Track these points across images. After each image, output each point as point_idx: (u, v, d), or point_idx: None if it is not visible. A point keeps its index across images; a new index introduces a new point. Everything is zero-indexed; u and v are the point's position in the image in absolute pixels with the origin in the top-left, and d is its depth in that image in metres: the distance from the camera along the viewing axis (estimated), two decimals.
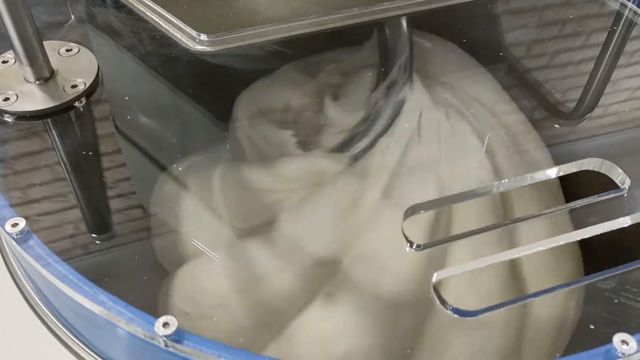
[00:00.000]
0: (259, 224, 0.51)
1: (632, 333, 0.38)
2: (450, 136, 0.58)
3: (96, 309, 0.42)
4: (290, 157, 0.57)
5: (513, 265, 0.47)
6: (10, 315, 0.54)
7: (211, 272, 0.48)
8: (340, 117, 0.60)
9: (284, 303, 0.46)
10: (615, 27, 0.71)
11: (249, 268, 0.48)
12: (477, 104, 0.62)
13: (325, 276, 0.47)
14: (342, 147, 0.57)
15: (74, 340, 0.51)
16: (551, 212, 0.50)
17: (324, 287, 0.46)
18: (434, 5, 0.71)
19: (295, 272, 0.47)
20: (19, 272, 0.56)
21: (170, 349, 0.40)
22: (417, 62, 0.68)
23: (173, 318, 0.40)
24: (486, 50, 0.70)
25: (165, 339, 0.39)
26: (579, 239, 0.47)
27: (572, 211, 0.51)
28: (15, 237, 0.45)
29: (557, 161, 0.55)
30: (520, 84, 0.67)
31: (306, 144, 0.58)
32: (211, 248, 0.49)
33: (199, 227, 0.51)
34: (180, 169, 0.55)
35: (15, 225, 0.45)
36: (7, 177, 0.51)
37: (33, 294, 0.54)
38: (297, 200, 0.52)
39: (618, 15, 0.73)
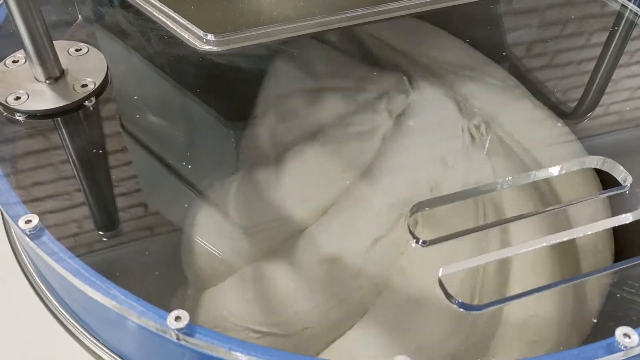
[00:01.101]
0: (284, 240, 0.51)
1: (634, 327, 0.39)
2: (454, 134, 0.59)
3: (109, 302, 0.42)
4: (308, 163, 0.57)
5: (514, 262, 0.48)
6: (21, 310, 0.55)
7: (238, 295, 0.48)
8: (355, 120, 0.61)
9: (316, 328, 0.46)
10: (616, 28, 0.72)
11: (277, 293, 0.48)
12: (480, 102, 0.63)
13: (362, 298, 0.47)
14: (351, 149, 0.58)
15: (84, 334, 0.52)
16: (552, 209, 0.51)
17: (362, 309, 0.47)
18: (438, 5, 0.71)
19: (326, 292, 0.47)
20: (30, 268, 0.57)
21: (182, 342, 0.41)
22: (422, 57, 0.69)
23: (185, 312, 0.40)
24: (489, 50, 0.71)
25: (177, 332, 0.40)
26: (581, 235, 0.48)
27: (573, 208, 0.52)
28: (28, 233, 0.46)
29: (559, 159, 0.56)
30: (522, 83, 0.68)
31: (322, 149, 0.59)
32: (237, 267, 0.49)
33: (221, 243, 0.51)
34: (184, 171, 0.55)
35: (28, 221, 0.46)
36: (19, 175, 0.51)
37: (45, 290, 0.55)
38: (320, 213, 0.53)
39: (619, 15, 0.74)
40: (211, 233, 0.51)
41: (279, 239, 0.51)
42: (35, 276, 0.56)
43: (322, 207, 0.53)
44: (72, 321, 0.52)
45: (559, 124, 0.62)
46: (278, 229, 0.52)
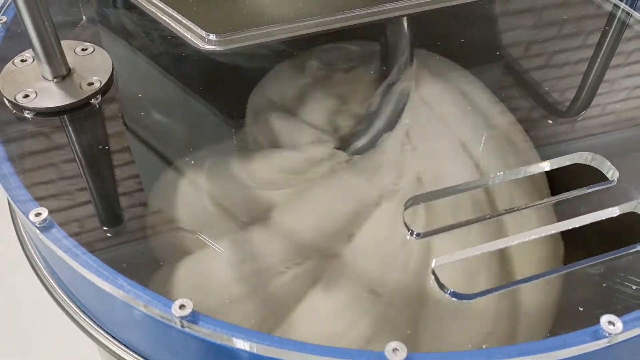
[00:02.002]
0: (257, 216, 0.53)
1: (618, 315, 0.40)
2: (447, 133, 0.61)
3: (116, 292, 0.44)
4: (289, 151, 0.59)
5: (505, 254, 0.50)
6: (29, 301, 0.56)
7: (213, 263, 0.50)
8: (343, 113, 0.63)
9: (285, 291, 0.48)
10: (607, 28, 0.74)
11: (250, 258, 0.50)
12: (474, 101, 0.64)
13: (325, 264, 0.50)
14: (344, 142, 0.60)
15: (91, 325, 0.53)
16: (543, 203, 0.53)
17: (325, 274, 0.49)
18: (435, 6, 0.73)
19: (295, 261, 0.50)
20: (38, 260, 0.59)
21: (186, 330, 0.42)
22: (418, 63, 0.70)
23: (189, 300, 0.42)
24: (483, 50, 0.73)
25: (181, 319, 0.42)
26: (570, 227, 0.50)
27: (563, 202, 0.53)
28: (38, 225, 0.48)
29: (551, 157, 0.58)
30: (515, 83, 0.69)
31: (310, 139, 0.60)
32: (211, 239, 0.51)
33: (197, 219, 0.53)
34: (179, 165, 0.57)
35: (38, 214, 0.48)
36: (28, 171, 0.53)
37: (52, 282, 0.56)
38: (295, 193, 0.55)
39: (611, 16, 0.76)
40: (188, 210, 0.54)
41: (252, 213, 0.53)
42: (43, 269, 0.57)
43: (302, 191, 0.55)
44: (78, 311, 0.53)
45: (549, 122, 0.63)
46: (256, 205, 0.54)
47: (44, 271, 0.58)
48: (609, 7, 0.76)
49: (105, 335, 0.52)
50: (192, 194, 0.55)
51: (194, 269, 0.49)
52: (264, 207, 0.54)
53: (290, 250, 0.51)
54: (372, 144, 0.60)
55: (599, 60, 0.71)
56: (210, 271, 0.50)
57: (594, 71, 0.70)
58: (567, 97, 0.67)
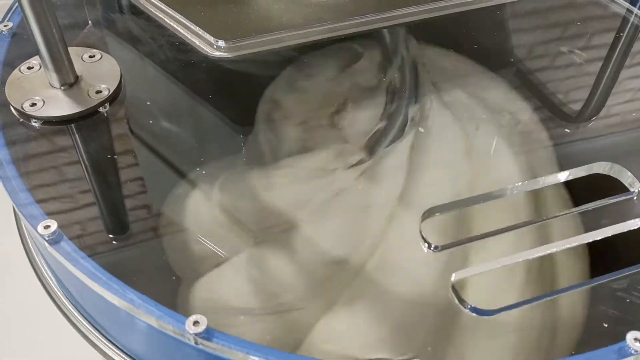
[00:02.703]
0: (277, 229, 0.52)
1: None
2: (462, 140, 0.60)
3: (127, 307, 0.43)
4: (303, 160, 0.58)
5: (527, 267, 0.49)
6: (34, 312, 0.55)
7: (232, 279, 0.49)
8: (355, 122, 0.62)
9: (305, 307, 0.47)
10: (621, 32, 0.73)
11: (269, 274, 0.49)
12: (487, 107, 0.63)
13: (346, 279, 0.48)
14: (359, 150, 0.59)
15: (99, 338, 0.52)
16: (563, 214, 0.52)
17: (345, 290, 0.48)
18: (445, 12, 0.72)
19: (315, 277, 0.49)
20: (44, 271, 0.58)
21: (200, 346, 0.41)
22: (428, 68, 0.70)
23: (203, 317, 0.41)
24: (495, 55, 0.72)
25: (195, 336, 0.41)
26: (591, 240, 0.49)
27: (582, 213, 0.52)
28: (47, 238, 0.47)
29: (565, 162, 0.57)
30: (528, 87, 0.69)
31: (322, 148, 0.59)
32: (226, 254, 0.50)
33: (210, 233, 0.52)
34: (195, 175, 0.56)
35: (47, 227, 0.47)
36: (36, 181, 0.52)
37: (57, 291, 0.55)
38: (315, 205, 0.54)
39: (624, 20, 0.75)
40: (201, 223, 0.52)
41: (269, 231, 0.52)
42: (48, 278, 0.56)
43: (316, 204, 0.54)
44: (85, 322, 0.53)
45: (566, 131, 0.62)
46: (267, 221, 0.53)
47: (51, 283, 0.57)
48: (622, 11, 0.75)
49: (115, 349, 0.51)
50: (205, 206, 0.54)
51: (207, 285, 0.48)
52: (280, 221, 0.52)
53: (308, 266, 0.50)
54: (388, 152, 0.59)
55: (611, 65, 0.70)
56: (225, 288, 0.48)
57: (606, 75, 0.69)
58: (580, 100, 0.66)
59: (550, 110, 0.65)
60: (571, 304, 0.46)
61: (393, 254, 0.50)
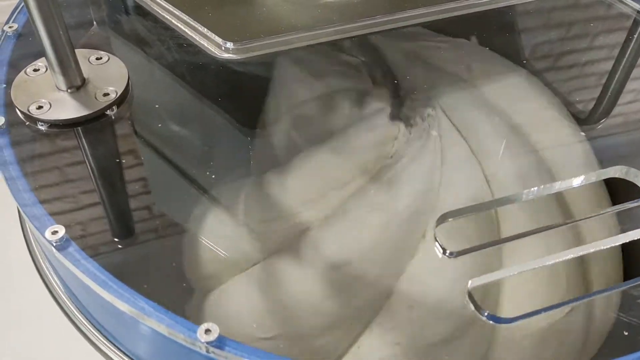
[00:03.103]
0: (291, 240, 0.51)
1: None
2: (479, 142, 0.59)
3: (137, 315, 0.42)
4: (317, 163, 0.57)
5: (551, 272, 0.48)
6: (40, 317, 0.55)
7: (247, 294, 0.48)
8: (368, 125, 0.61)
9: (331, 334, 0.45)
10: (632, 34, 0.72)
11: (282, 289, 0.48)
12: (504, 109, 0.63)
13: (376, 300, 0.47)
14: (370, 156, 0.58)
15: (106, 344, 0.52)
16: (580, 220, 0.51)
17: (375, 314, 0.46)
18: (455, 13, 0.71)
19: (342, 297, 0.47)
20: (50, 277, 0.57)
21: (211, 355, 0.41)
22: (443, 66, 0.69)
23: (215, 325, 0.40)
24: (508, 56, 0.71)
25: (207, 345, 0.40)
26: (611, 245, 0.48)
27: (601, 218, 0.51)
28: (55, 244, 0.46)
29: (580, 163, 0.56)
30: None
31: (333, 152, 0.58)
32: (241, 265, 0.49)
33: (225, 241, 0.51)
34: (205, 180, 0.55)
35: (55, 232, 0.46)
36: (43, 185, 0.51)
37: (63, 296, 0.55)
38: (328, 214, 0.53)
39: (635, 22, 0.74)
40: (215, 234, 0.51)
41: (285, 240, 0.51)
42: (54, 284, 0.56)
43: (329, 209, 0.53)
44: (91, 328, 0.52)
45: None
46: (283, 230, 0.51)
47: (57, 288, 0.56)
48: (632, 14, 0.75)
49: (123, 356, 0.51)
50: (217, 213, 0.53)
51: (220, 298, 0.47)
52: (299, 230, 0.51)
53: (332, 284, 0.48)
54: (404, 153, 0.58)
55: (622, 66, 0.70)
56: (240, 303, 0.47)
57: (618, 76, 0.69)
58: (591, 101, 0.66)
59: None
60: (592, 311, 0.45)
61: (424, 273, 0.48)
